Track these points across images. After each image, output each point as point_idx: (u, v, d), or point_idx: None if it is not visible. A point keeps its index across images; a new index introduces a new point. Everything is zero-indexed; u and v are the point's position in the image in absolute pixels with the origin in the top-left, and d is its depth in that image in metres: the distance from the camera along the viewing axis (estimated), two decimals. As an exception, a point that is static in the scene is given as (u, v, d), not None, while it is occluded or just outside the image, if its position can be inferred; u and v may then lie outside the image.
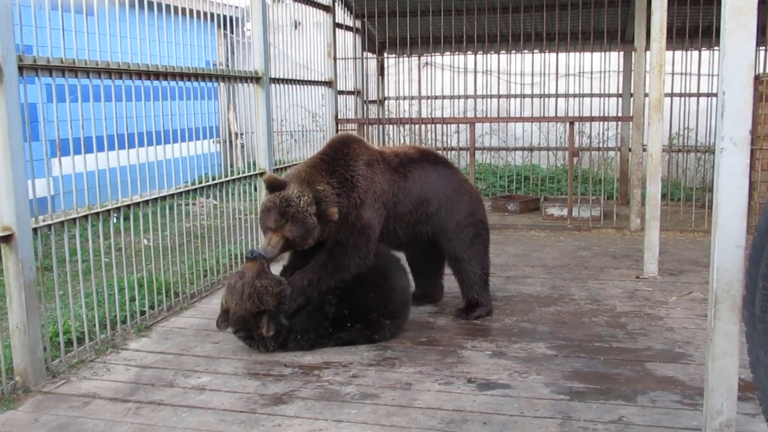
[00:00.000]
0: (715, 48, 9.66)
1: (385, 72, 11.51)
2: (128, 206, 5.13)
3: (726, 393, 3.18)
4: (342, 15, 9.97)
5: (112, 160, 4.98)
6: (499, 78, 10.90)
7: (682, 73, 9.42)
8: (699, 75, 9.12)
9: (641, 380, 4.19)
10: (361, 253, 4.87)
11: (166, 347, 4.88)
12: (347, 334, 4.77)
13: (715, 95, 7.68)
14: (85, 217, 4.69)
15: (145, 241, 5.66)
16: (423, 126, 10.55)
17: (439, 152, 5.74)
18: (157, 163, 5.53)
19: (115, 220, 5.06)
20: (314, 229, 4.72)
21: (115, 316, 5.07)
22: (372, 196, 4.96)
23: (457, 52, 10.40)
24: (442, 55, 10.80)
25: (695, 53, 9.14)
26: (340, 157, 4.98)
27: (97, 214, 4.80)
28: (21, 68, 4.04)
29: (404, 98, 10.65)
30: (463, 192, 5.41)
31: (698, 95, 9.31)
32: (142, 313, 5.38)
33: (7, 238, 4.00)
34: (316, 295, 4.74)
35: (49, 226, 4.38)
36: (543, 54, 9.98)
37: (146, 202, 5.33)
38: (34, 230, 4.20)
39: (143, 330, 5.19)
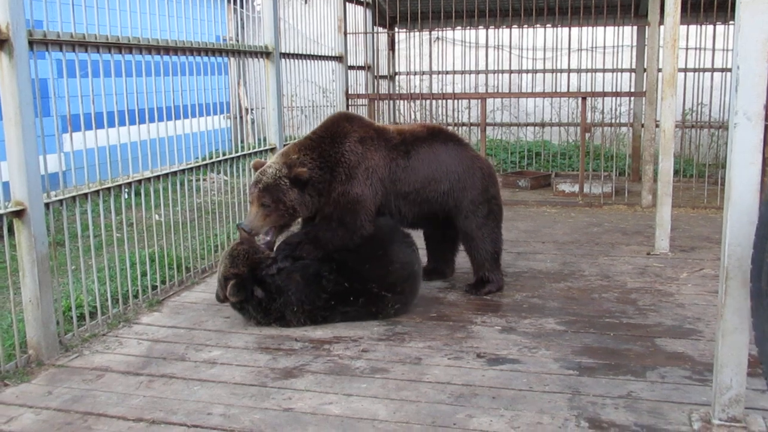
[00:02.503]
0: (730, 22, 9.53)
1: (396, 47, 11.43)
2: (139, 182, 5.15)
3: (735, 368, 3.18)
4: (352, -11, 9.89)
5: (123, 136, 4.99)
6: (510, 53, 10.81)
7: (696, 48, 9.32)
8: (713, 50, 9.01)
9: (651, 356, 4.19)
10: (346, 228, 4.87)
11: (178, 321, 4.92)
12: (353, 309, 4.78)
13: (730, 70, 7.61)
14: (97, 192, 4.72)
15: (157, 217, 5.69)
16: (434, 101, 10.49)
17: (450, 129, 5.66)
18: (167, 138, 5.54)
19: (126, 196, 5.09)
20: (288, 192, 4.78)
21: (127, 290, 5.11)
22: (364, 171, 4.95)
23: (468, 27, 10.30)
24: (454, 30, 10.71)
25: (710, 27, 9.02)
26: (327, 135, 5.03)
27: (109, 189, 4.82)
28: (31, 43, 4.04)
29: (415, 73, 10.59)
30: (475, 169, 5.35)
31: (712, 70, 9.21)
32: (154, 287, 5.41)
33: (20, 213, 4.02)
34: (312, 266, 4.74)
35: (60, 201, 4.41)
36: (555, 28, 9.88)
37: (157, 177, 5.35)
38: (46, 205, 4.22)
39: (155, 304, 5.23)
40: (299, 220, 5.15)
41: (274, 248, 4.93)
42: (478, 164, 5.41)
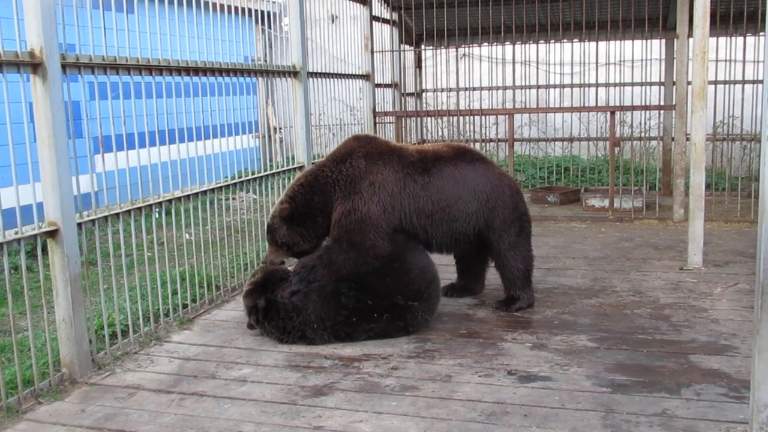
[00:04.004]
0: (761, 33, 9.43)
1: (423, 64, 11.47)
2: (170, 201, 5.21)
3: (773, 386, 3.11)
4: (379, 8, 9.96)
5: (153, 156, 5.05)
6: (537, 68, 10.79)
7: (726, 60, 9.21)
8: (744, 61, 8.90)
9: (685, 373, 4.12)
10: (357, 249, 4.78)
11: (208, 339, 4.94)
12: (378, 326, 4.75)
13: (761, 82, 7.50)
14: (128, 212, 4.77)
15: (187, 236, 5.74)
16: (461, 118, 10.49)
17: (475, 148, 5.61)
18: (197, 158, 5.60)
19: (157, 215, 5.14)
20: (279, 229, 5.04)
21: (158, 309, 5.15)
22: (368, 187, 4.87)
23: (495, 43, 10.32)
24: (480, 46, 10.72)
25: (740, 39, 8.92)
26: (331, 158, 5.08)
27: (140, 209, 4.87)
28: (64, 66, 4.13)
29: (442, 90, 10.60)
30: (504, 187, 5.27)
31: (743, 82, 9.09)
32: (185, 306, 5.45)
33: (53, 234, 4.09)
34: (329, 285, 4.76)
35: (93, 221, 4.47)
36: (582, 43, 9.85)
37: (187, 197, 5.40)
38: (79, 225, 4.28)
39: (185, 323, 5.27)
40: None
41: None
42: (506, 182, 5.34)
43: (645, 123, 10.65)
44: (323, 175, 4.98)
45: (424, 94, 11.58)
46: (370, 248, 4.80)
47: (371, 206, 4.85)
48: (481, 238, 5.27)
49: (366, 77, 9.32)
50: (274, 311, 4.73)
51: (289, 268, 5.17)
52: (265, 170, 6.58)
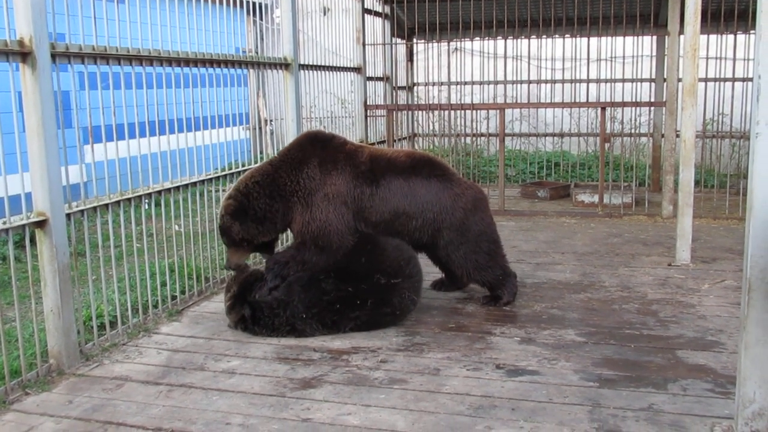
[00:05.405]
0: (751, 31, 9.45)
1: (414, 58, 11.46)
2: (159, 192, 5.19)
3: (759, 381, 3.14)
4: (371, 0, 9.94)
5: (143, 147, 5.02)
6: (529, 63, 10.79)
7: (716, 58, 9.25)
8: (734, 59, 8.93)
9: (672, 368, 4.14)
10: (325, 250, 4.91)
11: (197, 331, 4.94)
12: (363, 314, 4.75)
13: (751, 80, 7.53)
14: (117, 203, 4.76)
15: (176, 227, 5.72)
16: (452, 112, 10.49)
17: (438, 161, 5.39)
18: (187, 149, 5.58)
19: (146, 206, 5.12)
20: (231, 227, 4.95)
21: (147, 300, 5.13)
22: (323, 198, 4.93)
23: (486, 38, 10.32)
24: (472, 41, 10.72)
25: (730, 37, 8.96)
26: (287, 160, 5.04)
27: (129, 200, 4.86)
28: (54, 56, 4.10)
29: (433, 84, 10.59)
30: (456, 209, 5.13)
31: (733, 80, 9.13)
32: (173, 297, 5.44)
33: (42, 224, 4.06)
34: (306, 274, 4.81)
35: (82, 211, 4.45)
36: (574, 39, 9.86)
37: (177, 188, 5.39)
38: (68, 216, 4.26)
39: (174, 314, 5.26)
40: None
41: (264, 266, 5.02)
42: (460, 204, 5.15)
43: (635, 119, 10.69)
44: (282, 182, 4.97)
45: (415, 87, 11.58)
46: (337, 248, 4.93)
47: (329, 214, 4.92)
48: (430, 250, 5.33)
49: (357, 70, 9.30)
50: (259, 312, 4.74)
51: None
52: (256, 162, 6.56)
